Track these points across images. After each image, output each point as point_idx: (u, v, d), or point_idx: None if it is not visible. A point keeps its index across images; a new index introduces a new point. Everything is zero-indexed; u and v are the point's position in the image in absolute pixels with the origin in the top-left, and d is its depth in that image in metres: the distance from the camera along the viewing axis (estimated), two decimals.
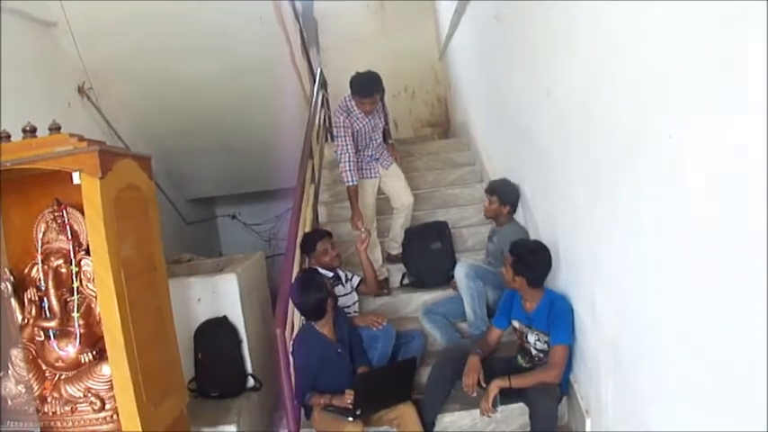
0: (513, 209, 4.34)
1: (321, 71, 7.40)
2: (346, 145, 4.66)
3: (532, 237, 3.99)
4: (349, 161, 4.65)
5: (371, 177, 4.94)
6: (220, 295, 4.45)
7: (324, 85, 7.39)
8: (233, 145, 6.96)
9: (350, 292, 4.37)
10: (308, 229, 4.77)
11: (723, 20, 1.59)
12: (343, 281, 4.37)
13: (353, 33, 8.99)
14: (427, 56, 9.36)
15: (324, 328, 3.58)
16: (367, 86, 4.60)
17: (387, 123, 5.09)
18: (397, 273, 5.03)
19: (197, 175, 7.70)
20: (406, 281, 4.96)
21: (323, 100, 7.22)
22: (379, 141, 4.96)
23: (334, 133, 4.80)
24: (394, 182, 5.03)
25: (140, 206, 3.01)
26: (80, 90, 5.33)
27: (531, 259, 3.35)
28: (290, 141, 5.75)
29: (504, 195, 4.32)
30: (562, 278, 3.44)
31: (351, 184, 4.66)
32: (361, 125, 4.76)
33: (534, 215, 4.05)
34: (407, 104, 9.69)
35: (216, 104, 6.25)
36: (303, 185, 4.89)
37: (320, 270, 4.14)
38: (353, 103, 4.69)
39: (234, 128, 6.63)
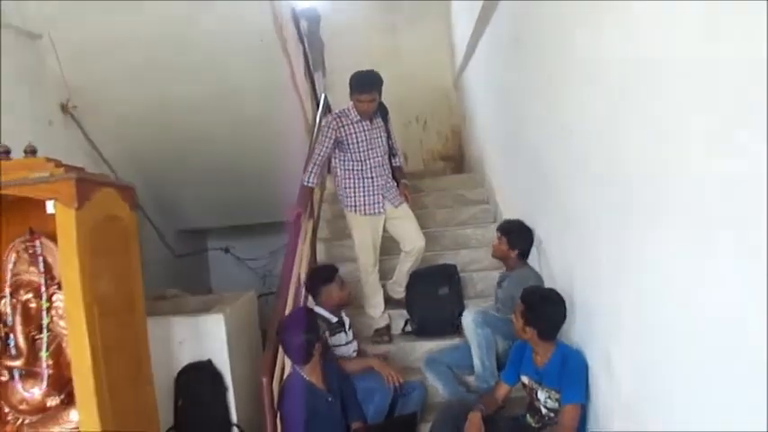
0: (524, 255, 4.32)
1: (325, 96, 7.48)
2: (322, 147, 4.74)
3: (546, 284, 3.98)
4: (315, 164, 4.78)
5: (375, 213, 4.80)
6: (205, 337, 4.44)
7: (328, 110, 7.45)
8: (228, 173, 7.01)
9: (351, 341, 4.36)
10: (303, 269, 4.77)
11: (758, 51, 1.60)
12: (346, 327, 4.35)
13: (363, 56, 8.98)
14: (441, 83, 9.45)
15: (311, 375, 3.55)
16: (366, 81, 4.60)
17: (394, 152, 5.02)
18: (399, 319, 5.01)
19: (188, 205, 7.75)
20: (408, 328, 4.94)
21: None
22: (379, 161, 4.81)
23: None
24: (405, 224, 4.91)
25: (120, 239, 3.03)
26: (63, 108, 5.37)
27: (544, 309, 3.34)
28: (290, 171, 5.79)
29: (515, 239, 4.31)
30: (576, 331, 3.43)
31: (307, 184, 4.83)
32: (353, 131, 4.71)
33: (549, 261, 4.04)
34: (418, 135, 9.73)
35: (210, 130, 6.31)
36: (301, 220, 4.92)
37: (323, 313, 4.14)
38: (351, 107, 4.71)
39: (229, 155, 6.68)
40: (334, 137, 4.71)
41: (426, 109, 9.71)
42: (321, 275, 4.33)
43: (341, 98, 6.51)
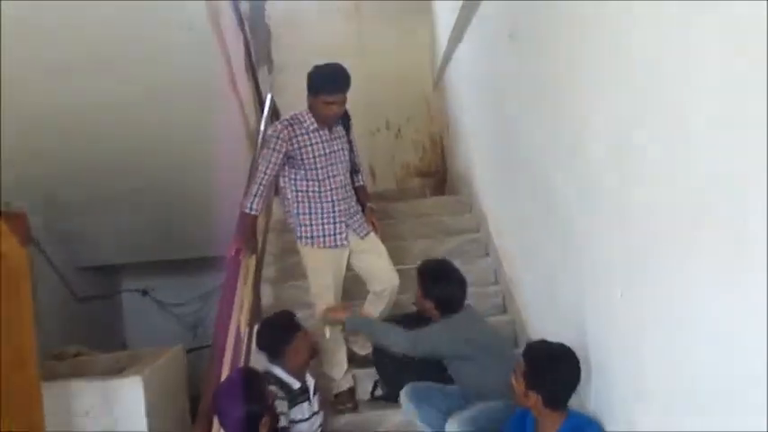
0: (444, 308, 4.21)
1: (272, 98, 7.50)
2: (268, 164, 4.62)
3: (555, 337, 3.97)
4: (260, 184, 4.63)
5: (336, 246, 4.74)
6: (118, 407, 4.40)
7: (275, 116, 7.42)
8: (148, 196, 6.96)
9: (317, 412, 4.30)
10: (245, 318, 4.71)
11: None
12: (311, 394, 4.29)
13: (320, 49, 8.89)
14: (419, 82, 9.50)
15: None
16: (336, 77, 4.56)
17: (357, 168, 5.03)
18: (366, 380, 4.98)
19: (96, 235, 7.67)
20: (378, 392, 4.91)
21: None
22: (341, 181, 4.77)
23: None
24: (374, 259, 4.88)
25: (6, 281, 2.98)
26: None
27: (552, 369, 3.31)
28: (227, 193, 5.76)
29: (430, 285, 4.24)
30: (592, 393, 3.42)
31: (249, 211, 4.68)
32: (309, 142, 4.65)
33: (556, 308, 4.05)
34: (390, 146, 9.72)
35: (125, 141, 6.26)
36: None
37: (284, 376, 4.08)
38: (305, 111, 4.68)
39: (149, 173, 6.64)
40: (284, 149, 4.63)
41: (400, 113, 9.73)
42: (284, 327, 4.24)
43: (292, 100, 6.50)
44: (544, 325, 4.32)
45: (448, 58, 7.50)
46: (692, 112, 2.15)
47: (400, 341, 4.01)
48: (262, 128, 6.57)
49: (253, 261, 5.32)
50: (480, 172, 6.48)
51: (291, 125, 4.66)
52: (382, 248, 4.95)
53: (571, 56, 3.36)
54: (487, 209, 6.14)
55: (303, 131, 4.65)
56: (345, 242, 4.78)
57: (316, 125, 4.66)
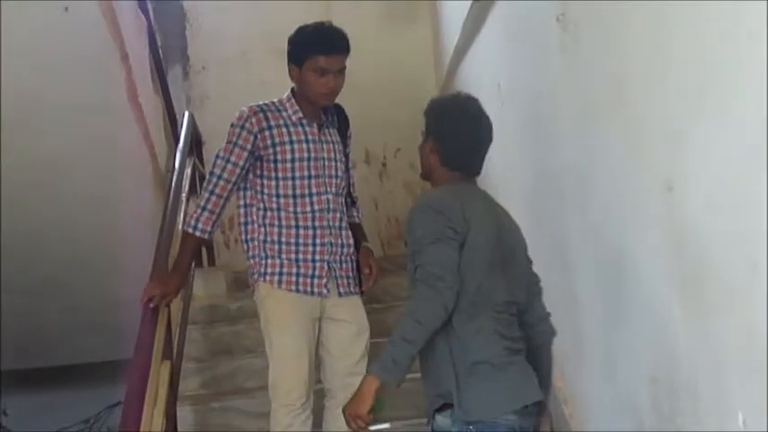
0: (450, 161, 3.95)
1: (190, 115, 7.45)
2: (226, 164, 4.59)
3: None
4: (211, 193, 4.60)
5: (311, 292, 4.62)
6: None
7: (195, 143, 7.33)
8: (5, 274, 6.94)
9: None
10: None
11: None
12: None
13: (260, 38, 8.93)
14: (414, 94, 9.33)
15: None
16: (332, 33, 4.62)
17: (354, 198, 5.08)
18: None
19: None
20: None
21: (193, 174, 7.19)
22: (329, 203, 4.71)
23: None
24: (345, 336, 4.72)
25: None
26: None
27: None
28: (121, 265, 5.74)
29: (433, 122, 4.07)
30: None
31: (191, 231, 4.63)
32: (288, 138, 4.62)
33: None
34: (372, 188, 9.60)
35: None
36: (148, 360, 4.83)
37: None
38: (286, 98, 4.70)
39: (9, 239, 6.62)
40: (249, 146, 4.60)
41: (387, 139, 9.64)
42: None
43: (218, 112, 6.52)
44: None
45: (460, 53, 7.55)
46: None
47: (414, 319, 3.34)
48: (177, 164, 6.52)
49: (167, 368, 5.24)
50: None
51: (264, 111, 4.65)
52: (363, 324, 4.83)
53: (661, 52, 3.23)
54: None
55: (281, 123, 4.65)
56: (325, 291, 4.67)
57: (301, 114, 4.66)
